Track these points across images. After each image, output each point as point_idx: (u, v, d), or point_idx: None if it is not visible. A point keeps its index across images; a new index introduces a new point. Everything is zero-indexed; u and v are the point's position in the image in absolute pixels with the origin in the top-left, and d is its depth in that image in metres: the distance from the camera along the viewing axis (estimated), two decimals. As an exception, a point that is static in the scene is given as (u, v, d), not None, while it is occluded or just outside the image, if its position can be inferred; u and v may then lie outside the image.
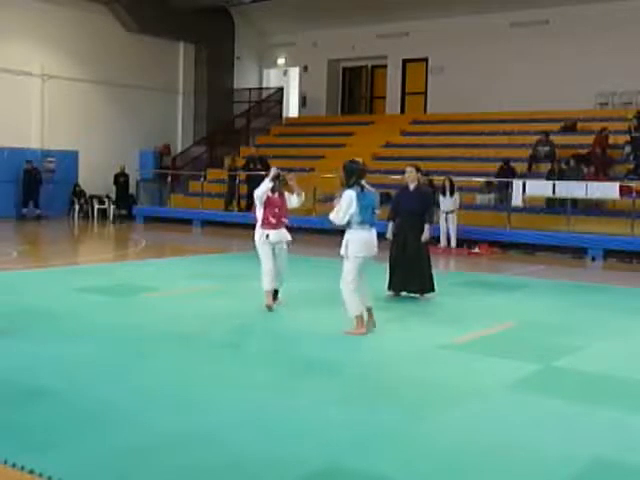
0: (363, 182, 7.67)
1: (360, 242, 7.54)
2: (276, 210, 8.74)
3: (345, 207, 7.46)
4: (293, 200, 9.04)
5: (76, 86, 23.58)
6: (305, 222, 20.06)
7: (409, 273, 9.75)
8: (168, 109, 26.61)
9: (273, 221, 8.70)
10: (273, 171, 8.92)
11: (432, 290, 9.91)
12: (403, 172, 10.20)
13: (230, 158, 23.64)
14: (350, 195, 7.49)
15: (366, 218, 7.55)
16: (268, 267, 8.62)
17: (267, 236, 8.64)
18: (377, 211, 7.79)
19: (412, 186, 9.92)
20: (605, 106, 21.89)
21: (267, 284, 8.66)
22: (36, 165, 22.08)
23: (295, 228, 19.75)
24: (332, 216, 7.60)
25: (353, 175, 7.62)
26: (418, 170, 10.00)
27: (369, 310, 7.78)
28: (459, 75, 24.22)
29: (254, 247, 8.89)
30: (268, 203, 8.73)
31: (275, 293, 8.83)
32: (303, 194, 9.20)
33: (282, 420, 4.97)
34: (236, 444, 4.52)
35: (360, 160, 7.82)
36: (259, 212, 8.74)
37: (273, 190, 8.78)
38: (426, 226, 9.75)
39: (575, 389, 6.00)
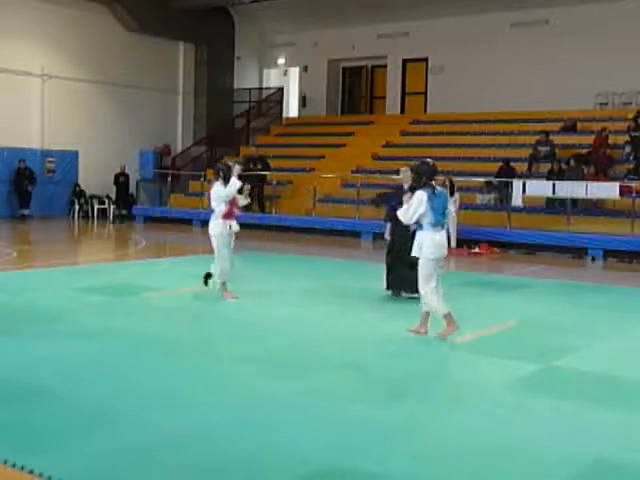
0: (433, 183, 7.61)
1: (433, 243, 7.49)
2: (235, 203, 9.44)
3: (415, 207, 7.39)
4: (242, 200, 9.69)
5: (76, 86, 23.57)
6: (305, 222, 20.08)
7: (404, 273, 9.74)
8: (168, 109, 26.60)
9: (236, 213, 9.44)
10: (239, 169, 9.41)
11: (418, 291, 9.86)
12: (398, 172, 10.23)
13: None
14: (421, 195, 7.40)
15: (438, 219, 7.50)
16: (230, 256, 9.36)
17: (230, 227, 9.27)
18: (447, 211, 7.82)
19: (406, 186, 9.93)
20: (605, 106, 21.89)
21: (224, 275, 9.36)
22: (28, 164, 21.84)
23: (296, 228, 19.84)
24: (400, 214, 7.57)
25: (424, 176, 7.53)
26: (413, 170, 9.99)
27: (428, 314, 7.71)
28: (459, 75, 24.22)
29: (207, 240, 9.48)
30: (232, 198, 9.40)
31: (208, 277, 9.51)
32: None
33: (282, 420, 4.97)
34: (236, 444, 4.51)
35: (430, 161, 7.80)
36: (222, 206, 9.25)
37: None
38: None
39: (575, 389, 6.00)
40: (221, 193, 9.21)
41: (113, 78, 24.38)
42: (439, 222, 7.52)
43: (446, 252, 7.74)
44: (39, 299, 9.15)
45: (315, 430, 4.81)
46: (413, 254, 7.64)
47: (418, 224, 7.53)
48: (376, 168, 21.28)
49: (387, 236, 9.98)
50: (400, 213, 7.57)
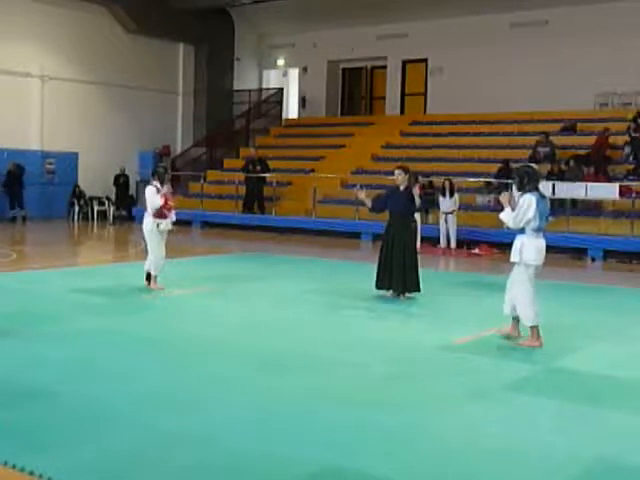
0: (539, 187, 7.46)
1: (536, 249, 7.39)
2: (166, 206, 10.00)
3: (524, 211, 7.20)
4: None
5: (76, 87, 23.57)
6: (305, 223, 20.08)
7: (395, 272, 9.76)
8: (168, 110, 26.60)
9: (168, 213, 9.99)
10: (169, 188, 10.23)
11: (417, 290, 9.91)
12: (392, 173, 10.26)
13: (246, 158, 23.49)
14: (531, 200, 7.22)
15: (542, 225, 7.39)
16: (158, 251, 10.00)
17: (158, 225, 9.84)
18: (550, 218, 7.70)
19: (401, 187, 9.97)
20: (605, 107, 21.89)
21: (157, 269, 10.00)
22: (22, 165, 21.55)
23: (295, 229, 19.84)
24: (505, 218, 7.36)
25: (532, 180, 7.37)
26: (407, 172, 10.02)
27: (515, 319, 7.61)
28: (459, 76, 24.22)
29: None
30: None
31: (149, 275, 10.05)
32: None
33: (281, 420, 4.97)
34: (236, 444, 4.51)
35: (535, 165, 7.76)
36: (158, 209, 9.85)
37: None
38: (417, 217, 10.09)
39: (575, 390, 6.00)
40: (153, 201, 9.75)
41: (113, 79, 24.38)
42: (542, 228, 7.39)
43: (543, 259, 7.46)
44: (39, 300, 9.15)
45: (314, 430, 4.81)
46: (512, 260, 7.43)
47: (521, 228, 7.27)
48: (376, 169, 21.27)
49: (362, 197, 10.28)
50: (507, 217, 7.33)
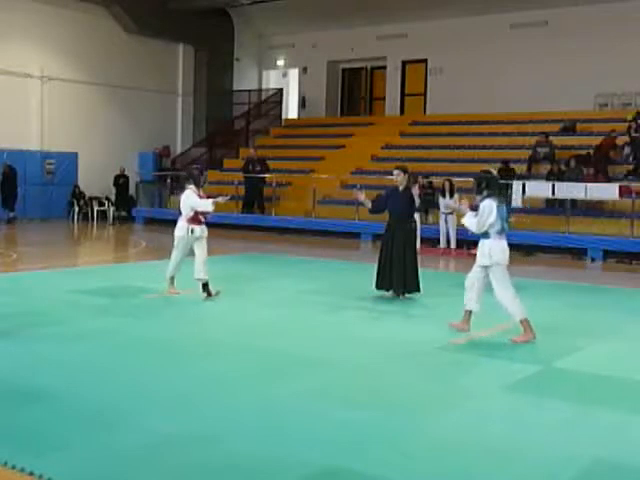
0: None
1: (502, 250, 7.64)
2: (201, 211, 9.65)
3: (486, 216, 7.52)
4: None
5: (76, 88, 23.58)
6: (305, 224, 20.08)
7: (395, 272, 9.76)
8: (167, 111, 26.61)
9: (203, 219, 9.66)
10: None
11: (417, 290, 9.92)
12: (391, 173, 10.26)
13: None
14: (491, 205, 7.54)
15: (504, 227, 7.67)
16: (179, 259, 9.81)
17: (192, 231, 9.51)
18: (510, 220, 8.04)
19: (401, 188, 9.97)
20: (605, 107, 21.89)
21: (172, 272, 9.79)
22: (13, 166, 21.39)
23: (295, 230, 19.84)
24: (468, 223, 7.67)
25: (491, 185, 7.69)
26: (406, 172, 10.03)
27: (468, 313, 7.91)
28: (458, 76, 24.22)
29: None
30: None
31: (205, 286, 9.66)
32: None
33: (280, 421, 4.97)
34: (236, 445, 4.51)
35: (494, 171, 8.07)
36: (189, 211, 9.50)
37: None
38: (416, 218, 10.09)
39: (575, 390, 6.00)
40: (193, 204, 9.41)
41: (112, 80, 24.39)
42: (505, 230, 7.67)
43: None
44: (39, 301, 9.15)
45: (314, 431, 4.81)
46: (482, 264, 7.65)
47: (484, 232, 7.60)
48: (375, 169, 21.27)
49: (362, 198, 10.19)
50: (471, 223, 7.63)
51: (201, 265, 9.47)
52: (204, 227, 9.60)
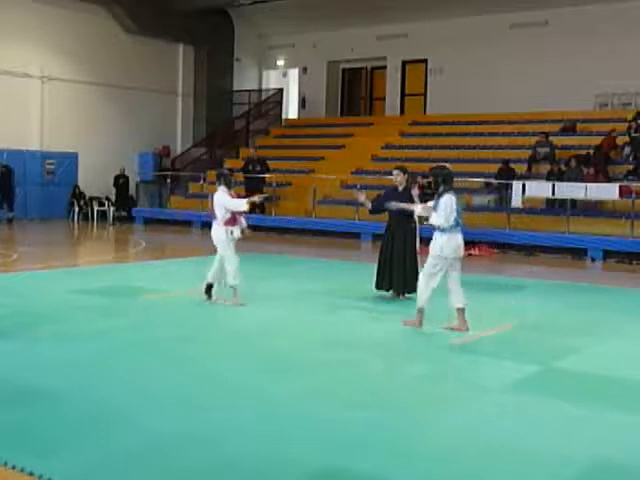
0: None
1: (455, 244, 7.86)
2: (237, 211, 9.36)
3: (449, 211, 7.75)
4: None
5: (75, 88, 23.57)
6: (305, 224, 20.08)
7: (395, 272, 9.76)
8: (167, 111, 26.60)
9: (241, 219, 9.40)
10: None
11: (417, 290, 9.90)
12: (391, 173, 10.26)
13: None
14: (452, 199, 7.80)
15: (459, 221, 7.89)
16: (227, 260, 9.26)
17: (232, 232, 9.17)
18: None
19: (400, 188, 9.97)
20: (605, 107, 21.89)
21: (236, 279, 9.23)
22: (9, 165, 21.27)
23: (295, 230, 19.83)
24: (438, 220, 7.81)
25: (448, 180, 7.93)
26: (405, 172, 10.04)
27: (460, 310, 8.04)
28: (458, 76, 24.22)
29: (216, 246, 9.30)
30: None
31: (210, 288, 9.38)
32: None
33: (280, 421, 4.97)
34: (236, 445, 4.51)
35: (449, 166, 8.25)
36: (225, 213, 9.17)
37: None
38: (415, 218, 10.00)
39: (575, 390, 5.99)
40: (226, 204, 9.12)
41: (112, 80, 24.39)
42: (460, 224, 7.90)
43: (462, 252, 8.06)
44: (38, 301, 9.14)
45: (314, 431, 4.81)
46: (435, 253, 7.86)
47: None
48: (375, 169, 21.27)
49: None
50: (441, 220, 7.78)
51: (234, 271, 9.14)
52: (240, 227, 9.30)
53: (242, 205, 9.12)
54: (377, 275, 9.96)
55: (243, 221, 9.38)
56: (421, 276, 8.09)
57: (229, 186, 9.30)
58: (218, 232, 9.21)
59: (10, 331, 7.36)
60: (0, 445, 4.39)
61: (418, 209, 8.47)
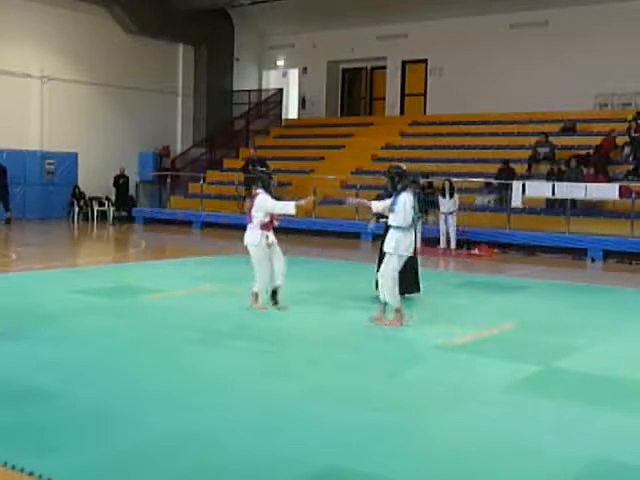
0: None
1: (409, 242, 8.04)
2: (274, 216, 9.04)
3: (409, 209, 7.91)
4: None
5: (75, 88, 23.57)
6: (305, 224, 20.06)
7: (406, 273, 9.73)
8: (167, 111, 26.60)
9: (275, 224, 9.07)
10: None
11: (417, 291, 9.93)
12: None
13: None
14: (409, 198, 7.95)
15: (414, 219, 8.04)
16: (269, 267, 8.93)
17: (267, 237, 8.82)
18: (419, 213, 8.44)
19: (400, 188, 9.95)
20: (604, 107, 21.90)
21: (263, 285, 8.96)
22: (2, 164, 21.06)
23: (295, 230, 19.82)
24: (399, 220, 7.91)
25: (403, 179, 8.06)
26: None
27: (383, 304, 8.18)
28: (458, 76, 24.22)
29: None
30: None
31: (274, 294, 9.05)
32: None
33: (280, 421, 4.97)
34: (235, 445, 4.51)
35: (404, 165, 8.38)
36: (262, 217, 8.79)
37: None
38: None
39: (575, 390, 5.99)
40: (272, 208, 8.76)
41: (112, 80, 24.39)
42: (414, 221, 8.07)
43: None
44: (39, 301, 9.14)
45: (313, 431, 4.81)
46: (387, 250, 8.05)
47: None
48: (375, 170, 21.26)
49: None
50: (399, 219, 7.90)
51: (279, 273, 8.88)
52: (273, 233, 8.94)
53: (290, 209, 8.71)
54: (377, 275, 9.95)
55: (276, 224, 9.01)
56: (385, 278, 8.08)
57: (268, 188, 8.88)
58: (252, 236, 8.82)
59: (10, 331, 7.36)
60: (0, 445, 4.39)
61: (374, 206, 8.51)
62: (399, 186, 8.00)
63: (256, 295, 8.93)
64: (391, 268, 8.02)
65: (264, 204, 8.73)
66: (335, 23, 25.89)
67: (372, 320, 8.27)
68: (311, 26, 26.75)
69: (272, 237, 8.87)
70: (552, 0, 22.12)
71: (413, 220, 8.01)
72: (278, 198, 9.52)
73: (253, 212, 8.81)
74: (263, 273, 8.83)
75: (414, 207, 7.97)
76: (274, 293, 8.95)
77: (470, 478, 4.19)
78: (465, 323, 8.51)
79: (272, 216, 8.86)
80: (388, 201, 8.19)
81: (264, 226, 8.78)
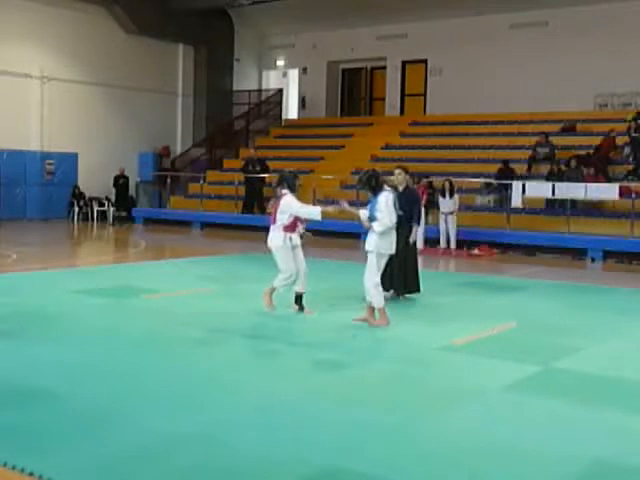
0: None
1: (389, 240, 8.06)
2: (299, 218, 8.86)
3: (390, 210, 7.93)
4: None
5: (75, 88, 23.57)
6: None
7: (395, 273, 9.75)
8: (167, 111, 26.60)
9: (300, 227, 8.90)
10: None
11: (417, 291, 9.95)
12: (392, 174, 10.25)
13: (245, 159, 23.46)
14: (388, 197, 7.98)
15: (395, 218, 8.07)
16: (293, 268, 8.78)
17: (291, 239, 8.70)
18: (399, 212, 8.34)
19: (401, 188, 9.95)
20: (604, 107, 21.90)
21: (283, 284, 8.82)
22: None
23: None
24: (384, 222, 7.91)
25: (378, 181, 8.08)
26: (406, 172, 10.04)
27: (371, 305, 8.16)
28: (458, 76, 24.22)
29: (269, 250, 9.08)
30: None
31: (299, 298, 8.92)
32: None
33: (281, 421, 4.97)
34: (235, 445, 4.51)
35: (378, 170, 8.48)
36: (286, 218, 8.70)
37: None
38: (413, 227, 9.83)
39: (575, 390, 5.99)
40: (297, 211, 8.61)
41: (112, 80, 24.39)
42: (394, 221, 8.07)
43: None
44: (39, 301, 9.14)
45: (314, 431, 4.81)
46: (368, 248, 8.06)
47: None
48: (375, 169, 21.25)
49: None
50: (385, 222, 7.90)
51: (303, 278, 8.75)
52: (298, 233, 8.81)
53: (316, 215, 8.49)
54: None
55: (301, 228, 8.85)
56: (366, 278, 8.06)
57: (294, 190, 8.73)
58: (276, 237, 8.73)
59: (10, 331, 7.36)
60: (0, 445, 4.39)
61: (363, 215, 8.19)
62: (377, 188, 8.00)
63: (271, 290, 8.77)
64: (371, 267, 8.02)
65: (290, 206, 8.58)
66: (335, 23, 25.89)
67: (358, 320, 8.23)
68: (311, 26, 26.75)
69: (296, 239, 8.71)
70: (552, 0, 22.12)
71: (400, 217, 8.09)
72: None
73: (278, 214, 8.70)
74: (288, 271, 8.63)
75: (395, 204, 7.98)
76: (299, 299, 8.81)
77: (470, 478, 4.19)
78: (465, 323, 8.51)
79: (296, 218, 8.68)
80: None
81: (287, 228, 8.65)
